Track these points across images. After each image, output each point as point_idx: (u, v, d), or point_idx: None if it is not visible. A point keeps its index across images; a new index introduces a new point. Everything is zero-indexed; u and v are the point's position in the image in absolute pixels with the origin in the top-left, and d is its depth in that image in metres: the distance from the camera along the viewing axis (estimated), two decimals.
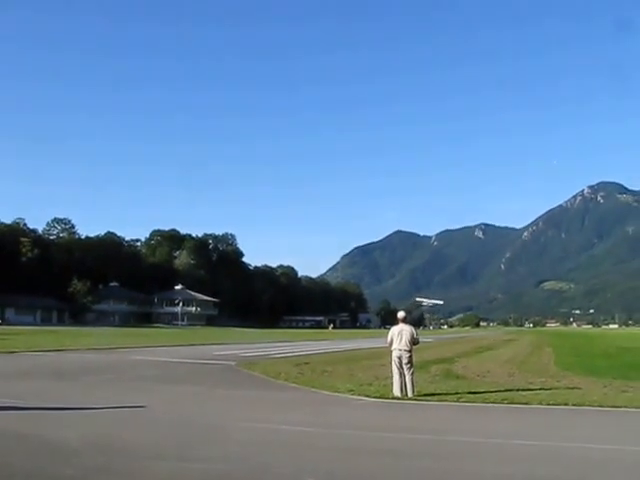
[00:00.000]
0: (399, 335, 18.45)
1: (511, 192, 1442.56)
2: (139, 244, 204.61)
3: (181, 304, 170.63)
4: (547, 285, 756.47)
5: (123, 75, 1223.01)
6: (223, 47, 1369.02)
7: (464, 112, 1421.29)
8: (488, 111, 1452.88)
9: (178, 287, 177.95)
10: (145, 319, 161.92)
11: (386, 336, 19.13)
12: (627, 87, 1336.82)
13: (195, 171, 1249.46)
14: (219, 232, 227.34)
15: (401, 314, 19.34)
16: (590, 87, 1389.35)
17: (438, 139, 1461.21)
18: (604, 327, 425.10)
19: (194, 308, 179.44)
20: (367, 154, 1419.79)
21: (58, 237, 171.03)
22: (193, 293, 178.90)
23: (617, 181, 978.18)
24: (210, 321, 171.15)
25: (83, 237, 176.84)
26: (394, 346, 18.42)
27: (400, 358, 18.20)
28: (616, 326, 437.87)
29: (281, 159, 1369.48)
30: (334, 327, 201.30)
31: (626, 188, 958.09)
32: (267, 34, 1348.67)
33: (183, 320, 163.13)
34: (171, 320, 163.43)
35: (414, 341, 18.61)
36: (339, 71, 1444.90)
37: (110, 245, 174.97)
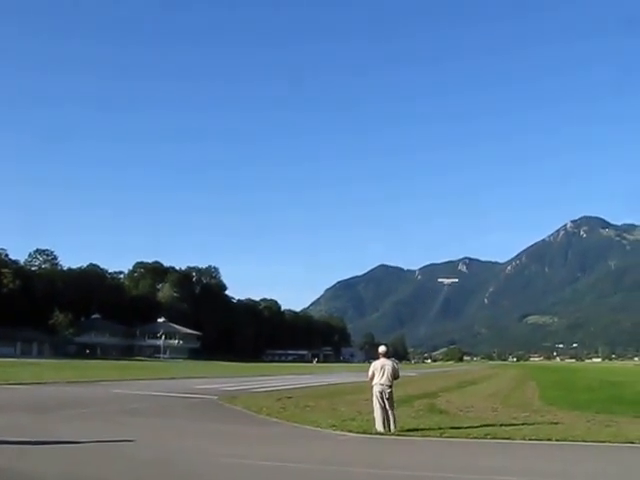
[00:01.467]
0: (381, 370, 18.27)
1: (494, 226, 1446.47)
2: (122, 276, 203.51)
3: (163, 337, 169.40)
4: (530, 319, 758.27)
5: (106, 98, 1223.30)
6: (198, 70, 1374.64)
7: (446, 145, 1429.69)
8: (471, 144, 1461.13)
9: (161, 320, 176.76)
10: (127, 352, 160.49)
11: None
12: (606, 122, 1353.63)
13: (179, 203, 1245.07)
14: (202, 265, 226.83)
15: (382, 348, 19.21)
16: (570, 123, 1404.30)
17: (422, 172, 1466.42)
18: (587, 361, 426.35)
19: (177, 341, 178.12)
20: (350, 186, 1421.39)
21: (40, 268, 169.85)
22: (176, 326, 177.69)
23: (599, 216, 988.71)
24: (192, 354, 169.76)
25: (65, 268, 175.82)
26: (375, 381, 18.22)
27: (382, 393, 18.03)
28: (599, 360, 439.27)
29: (265, 192, 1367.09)
30: (318, 361, 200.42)
31: (608, 222, 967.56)
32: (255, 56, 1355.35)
33: (165, 353, 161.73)
34: (153, 353, 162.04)
35: (395, 376, 18.49)
36: (324, 97, 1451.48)
37: (93, 277, 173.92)
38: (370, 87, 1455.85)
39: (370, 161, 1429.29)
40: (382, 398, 18.01)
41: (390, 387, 18.23)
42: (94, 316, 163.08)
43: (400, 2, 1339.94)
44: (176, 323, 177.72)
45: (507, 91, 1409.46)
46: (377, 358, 18.95)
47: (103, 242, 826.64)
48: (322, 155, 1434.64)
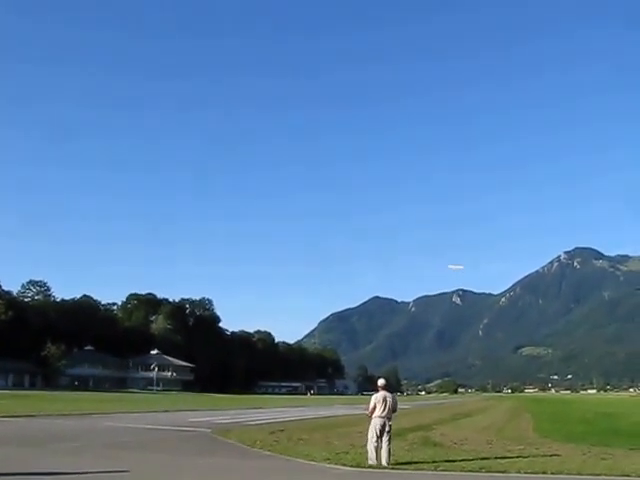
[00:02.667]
0: (383, 402, 18.17)
1: (488, 258, 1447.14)
2: (115, 308, 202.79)
3: (156, 369, 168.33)
4: (525, 351, 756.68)
5: (98, 128, 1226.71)
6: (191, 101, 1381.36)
7: (439, 177, 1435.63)
8: (464, 175, 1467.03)
9: (154, 352, 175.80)
10: (120, 384, 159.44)
11: (367, 403, 18.85)
12: (597, 152, 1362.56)
13: (173, 234, 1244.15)
14: (196, 297, 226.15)
15: (382, 381, 19.09)
16: (562, 153, 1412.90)
17: (414, 203, 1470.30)
18: (582, 392, 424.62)
19: (170, 373, 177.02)
20: (343, 218, 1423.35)
21: (33, 299, 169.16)
22: (169, 358, 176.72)
23: (593, 247, 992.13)
24: (186, 387, 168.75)
25: (59, 300, 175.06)
26: (377, 413, 18.12)
27: (383, 426, 17.95)
28: (594, 391, 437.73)
29: (259, 223, 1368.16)
30: (312, 393, 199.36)
31: (602, 254, 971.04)
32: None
33: (158, 385, 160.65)
34: (146, 385, 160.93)
35: (394, 408, 18.43)
36: (316, 128, 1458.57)
37: (86, 308, 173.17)
38: (361, 124, 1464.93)
39: (363, 193, 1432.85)
40: (381, 431, 17.92)
41: (390, 420, 18.17)
42: (87, 348, 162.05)
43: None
44: (169, 355, 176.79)
45: (501, 120, 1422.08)
46: (373, 390, 18.87)
47: (97, 273, 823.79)
48: (315, 187, 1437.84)
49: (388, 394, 18.42)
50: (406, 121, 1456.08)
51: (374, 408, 18.21)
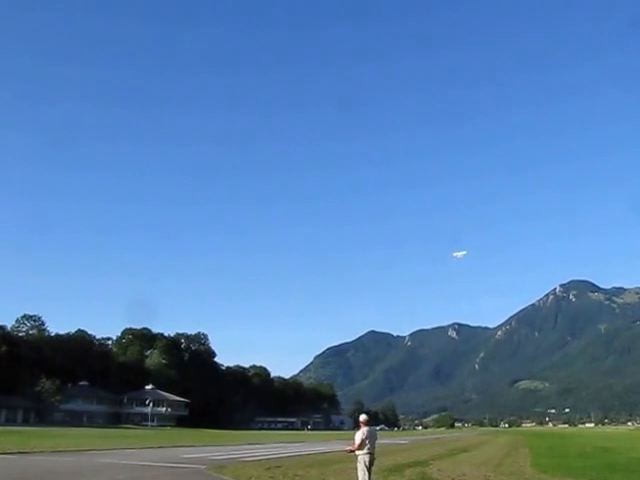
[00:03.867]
0: (370, 437, 18.12)
1: (484, 291, 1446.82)
2: (110, 342, 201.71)
3: (151, 404, 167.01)
4: (522, 384, 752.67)
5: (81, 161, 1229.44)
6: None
7: (433, 212, 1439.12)
8: (458, 210, 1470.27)
9: (149, 387, 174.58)
10: (114, 419, 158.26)
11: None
12: (591, 185, 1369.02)
13: (168, 269, 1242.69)
14: (192, 331, 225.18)
15: (364, 417, 18.92)
16: (556, 186, 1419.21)
17: (409, 238, 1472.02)
18: (580, 426, 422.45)
19: (164, 409, 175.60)
20: (338, 254, 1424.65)
21: (27, 334, 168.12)
22: (164, 393, 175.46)
23: (588, 279, 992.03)
24: (181, 422, 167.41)
25: (53, 334, 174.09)
26: (365, 450, 18.04)
27: (371, 462, 17.92)
28: (592, 425, 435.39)
29: (254, 259, 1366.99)
30: (309, 429, 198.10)
31: (597, 286, 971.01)
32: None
33: (153, 421, 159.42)
34: (141, 421, 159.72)
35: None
36: (306, 163, 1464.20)
37: (80, 343, 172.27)
38: (353, 155, 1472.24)
39: (357, 228, 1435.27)
40: (369, 466, 17.87)
41: (374, 454, 18.19)
42: (81, 383, 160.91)
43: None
44: (164, 390, 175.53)
45: (495, 153, 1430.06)
46: (358, 427, 18.76)
47: (92, 308, 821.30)
48: (310, 223, 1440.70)
49: (372, 429, 18.39)
50: (400, 156, 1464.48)
51: (361, 444, 18.11)
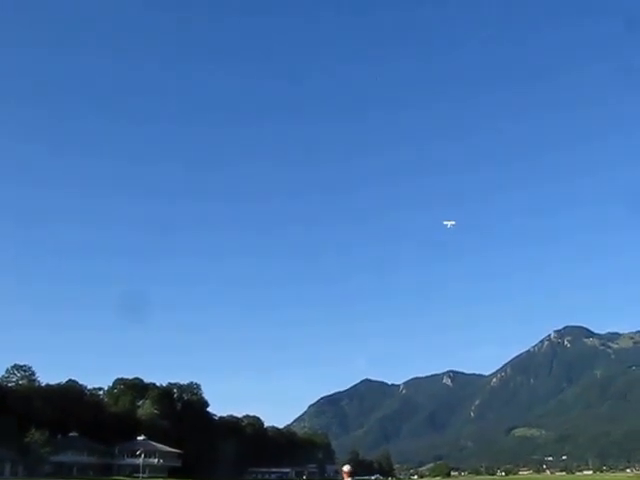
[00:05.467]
0: None
1: (478, 338, 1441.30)
2: (101, 393, 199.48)
3: (143, 456, 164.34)
4: (518, 432, 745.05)
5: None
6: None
7: (426, 261, 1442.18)
8: (452, 258, 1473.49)
9: (140, 438, 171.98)
10: (105, 471, 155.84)
11: None
12: (585, 232, 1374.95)
13: (160, 318, 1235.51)
14: (184, 381, 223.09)
15: (348, 467, 18.46)
16: (550, 235, 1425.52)
17: (403, 286, 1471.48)
18: (578, 473, 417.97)
19: (156, 460, 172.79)
20: (331, 302, 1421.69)
21: (17, 384, 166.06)
22: (156, 444, 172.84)
23: (582, 325, 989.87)
24: (173, 473, 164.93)
25: (44, 384, 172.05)
26: None
27: None
28: (590, 472, 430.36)
29: (246, 309, 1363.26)
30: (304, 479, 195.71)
31: (592, 332, 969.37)
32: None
33: (145, 472, 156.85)
34: (132, 472, 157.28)
35: None
36: (305, 215, 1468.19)
37: (71, 393, 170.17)
38: (346, 206, 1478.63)
39: (351, 277, 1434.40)
40: None
41: None
42: (72, 434, 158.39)
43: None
44: (156, 441, 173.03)
45: (489, 204, 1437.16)
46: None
47: (83, 358, 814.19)
48: (303, 272, 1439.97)
49: None
50: (391, 209, 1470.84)
51: None
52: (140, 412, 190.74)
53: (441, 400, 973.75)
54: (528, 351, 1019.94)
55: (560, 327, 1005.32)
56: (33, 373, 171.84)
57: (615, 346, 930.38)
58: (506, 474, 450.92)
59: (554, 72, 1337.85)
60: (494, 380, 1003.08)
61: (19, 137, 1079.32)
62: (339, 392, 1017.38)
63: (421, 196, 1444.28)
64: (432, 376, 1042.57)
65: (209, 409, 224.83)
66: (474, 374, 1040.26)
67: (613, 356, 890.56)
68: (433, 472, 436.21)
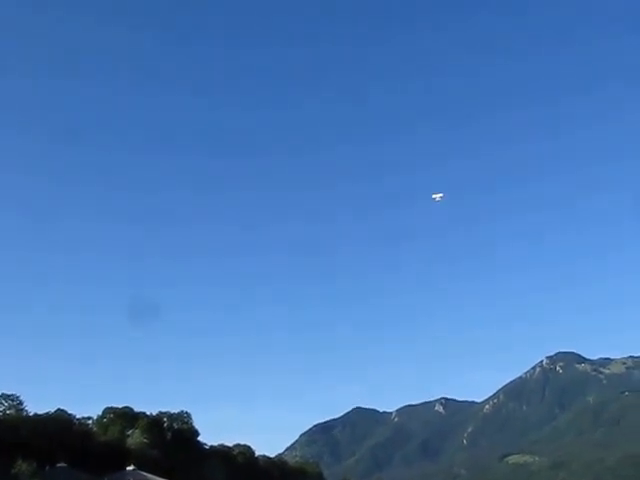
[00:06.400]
0: None
1: (470, 365, 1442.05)
2: (90, 422, 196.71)
3: None
4: (511, 459, 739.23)
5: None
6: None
7: (416, 291, 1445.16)
8: (444, 286, 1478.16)
9: (130, 468, 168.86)
10: None
11: None
12: (575, 259, 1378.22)
13: (150, 346, 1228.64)
14: (174, 410, 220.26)
15: None
16: (540, 259, 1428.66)
17: (395, 314, 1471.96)
18: None
19: None
20: (324, 330, 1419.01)
21: (4, 414, 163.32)
22: (145, 474, 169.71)
23: (574, 351, 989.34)
24: None
25: (32, 414, 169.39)
26: None
27: None
28: None
29: (238, 336, 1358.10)
30: None
31: (584, 357, 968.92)
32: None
33: None
34: None
35: None
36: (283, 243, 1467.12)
37: (60, 423, 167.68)
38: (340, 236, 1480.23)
39: (344, 305, 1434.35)
40: None
41: None
42: (60, 464, 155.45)
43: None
44: (146, 471, 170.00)
45: (479, 229, 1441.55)
46: None
47: (72, 386, 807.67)
48: (295, 298, 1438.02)
49: None
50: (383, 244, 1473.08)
51: None
52: (130, 441, 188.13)
53: (433, 427, 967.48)
54: (520, 377, 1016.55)
55: (552, 353, 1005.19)
56: (21, 402, 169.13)
57: (607, 371, 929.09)
58: None
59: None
60: (487, 407, 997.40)
61: None
62: (331, 420, 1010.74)
63: (409, 225, 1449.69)
64: (424, 403, 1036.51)
65: (200, 438, 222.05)
66: (466, 401, 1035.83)
67: (605, 382, 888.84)
68: None
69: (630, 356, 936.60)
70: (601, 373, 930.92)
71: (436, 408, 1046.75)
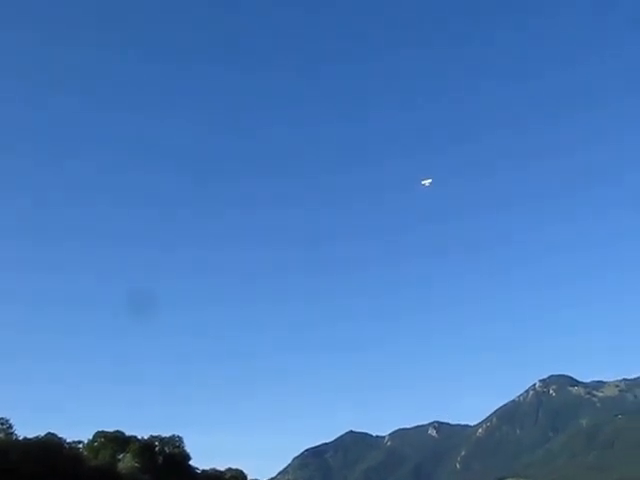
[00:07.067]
0: None
1: (463, 388, 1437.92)
2: (81, 446, 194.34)
3: None
4: None
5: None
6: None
7: (409, 314, 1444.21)
8: (437, 308, 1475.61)
9: None
10: None
11: None
12: (567, 283, 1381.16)
13: (142, 370, 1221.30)
14: (166, 434, 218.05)
15: None
16: (533, 282, 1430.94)
17: (388, 338, 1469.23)
18: None
19: None
20: (316, 353, 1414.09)
21: None
22: None
23: (567, 374, 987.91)
24: None
25: (21, 438, 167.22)
26: None
27: None
28: None
29: (231, 360, 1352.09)
30: None
31: (576, 380, 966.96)
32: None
33: None
34: None
35: None
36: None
37: (50, 447, 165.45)
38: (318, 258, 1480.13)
39: (336, 330, 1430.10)
40: None
41: None
42: None
43: None
44: None
45: (470, 255, 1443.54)
46: None
47: (63, 410, 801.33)
48: (288, 324, 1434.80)
49: None
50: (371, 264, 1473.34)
51: None
52: (121, 466, 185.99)
53: (427, 451, 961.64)
54: (513, 401, 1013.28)
55: (545, 376, 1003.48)
56: (11, 426, 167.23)
57: (600, 394, 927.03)
58: None
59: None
60: (480, 430, 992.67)
61: None
62: (324, 444, 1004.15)
63: (402, 247, 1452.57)
64: (417, 427, 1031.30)
65: (191, 462, 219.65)
66: (459, 424, 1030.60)
67: (599, 404, 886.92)
68: None
69: (623, 379, 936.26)
70: (594, 396, 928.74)
71: (429, 432, 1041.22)
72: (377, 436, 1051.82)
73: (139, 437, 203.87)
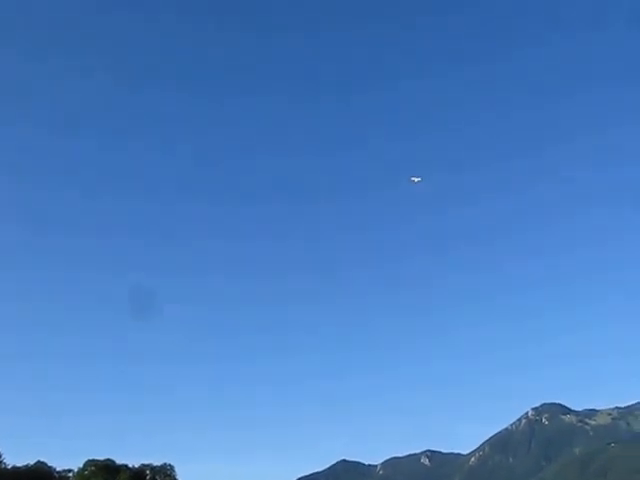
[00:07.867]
0: None
1: (455, 417, 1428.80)
2: (71, 474, 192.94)
3: None
4: None
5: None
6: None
7: (400, 342, 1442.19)
8: (430, 335, 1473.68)
9: None
10: None
11: None
12: (558, 306, 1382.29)
13: (133, 396, 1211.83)
14: (157, 462, 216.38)
15: None
16: (524, 311, 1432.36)
17: (378, 365, 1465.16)
18: None
19: None
20: (309, 382, 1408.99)
21: None
22: None
23: (559, 402, 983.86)
24: None
25: (10, 467, 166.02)
26: None
27: None
28: None
29: (224, 387, 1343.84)
30: None
31: (569, 408, 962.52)
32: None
33: None
34: None
35: None
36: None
37: (39, 475, 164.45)
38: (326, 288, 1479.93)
39: (329, 357, 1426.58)
40: None
41: None
42: None
43: None
44: None
45: (463, 282, 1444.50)
46: None
47: (52, 438, 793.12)
48: (282, 351, 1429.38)
49: None
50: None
51: None
52: None
53: None
54: (506, 429, 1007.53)
55: (537, 404, 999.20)
56: (0, 455, 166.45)
57: (593, 422, 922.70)
58: None
59: None
60: (472, 459, 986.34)
61: None
62: (316, 473, 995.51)
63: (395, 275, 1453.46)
64: (410, 456, 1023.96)
65: None
66: (452, 453, 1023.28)
67: (591, 433, 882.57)
68: None
69: (616, 407, 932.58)
70: (587, 424, 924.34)
71: (422, 460, 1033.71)
72: (369, 465, 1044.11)
73: (130, 465, 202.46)
